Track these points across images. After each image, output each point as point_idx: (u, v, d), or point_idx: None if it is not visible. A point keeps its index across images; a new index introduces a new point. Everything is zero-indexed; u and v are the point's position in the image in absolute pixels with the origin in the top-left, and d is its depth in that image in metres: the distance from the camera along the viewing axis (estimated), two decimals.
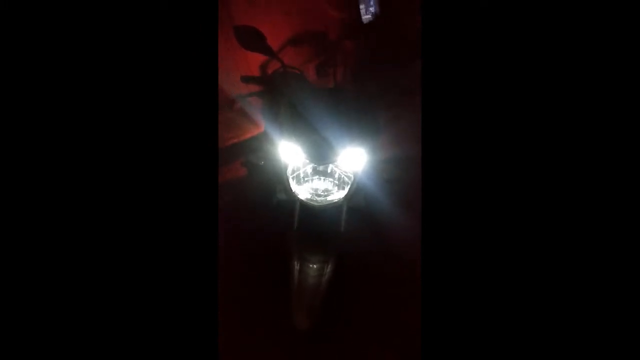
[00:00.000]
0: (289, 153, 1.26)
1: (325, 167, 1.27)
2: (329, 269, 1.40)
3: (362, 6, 2.20)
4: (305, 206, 1.34)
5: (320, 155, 1.23)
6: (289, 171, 1.28)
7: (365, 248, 1.64)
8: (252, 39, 1.57)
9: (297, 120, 1.30)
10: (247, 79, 1.57)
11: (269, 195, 1.42)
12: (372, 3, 2.19)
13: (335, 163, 1.26)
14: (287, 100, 1.38)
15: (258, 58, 1.77)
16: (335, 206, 1.33)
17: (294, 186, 1.30)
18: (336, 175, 1.29)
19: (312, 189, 1.29)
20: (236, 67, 1.99)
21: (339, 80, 1.93)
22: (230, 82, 1.88)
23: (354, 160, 1.26)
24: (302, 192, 1.30)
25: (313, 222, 1.37)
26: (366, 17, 2.19)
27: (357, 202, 1.37)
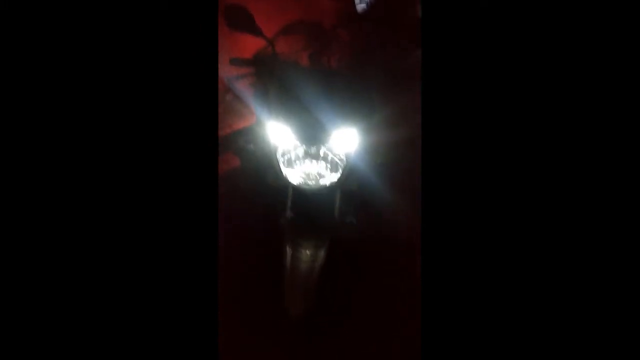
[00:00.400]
0: (278, 134, 1.22)
1: (316, 149, 1.23)
2: (321, 254, 1.36)
3: None
4: (297, 191, 1.30)
5: (311, 136, 1.20)
6: (279, 154, 1.24)
7: (361, 234, 1.61)
8: (245, 23, 1.54)
9: (286, 99, 1.25)
10: (236, 62, 1.54)
11: (261, 180, 1.38)
12: None
13: (327, 145, 1.22)
14: (276, 79, 1.34)
15: (249, 43, 1.73)
16: (329, 191, 1.29)
17: (285, 170, 1.26)
18: (328, 158, 1.24)
19: (304, 172, 1.25)
20: (229, 53, 1.97)
21: (332, 68, 1.91)
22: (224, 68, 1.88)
23: (347, 142, 1.22)
24: (294, 175, 1.26)
25: (306, 207, 1.33)
26: (360, 6, 2.17)
27: (350, 186, 1.33)
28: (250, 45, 1.75)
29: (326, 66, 1.78)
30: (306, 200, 1.31)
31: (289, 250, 1.38)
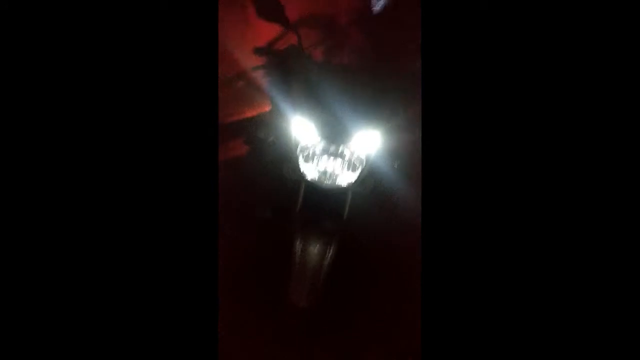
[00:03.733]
0: (300, 129, 1.22)
1: (337, 147, 1.23)
2: (330, 252, 1.37)
3: None
4: (311, 187, 1.30)
5: (333, 134, 1.19)
6: (298, 149, 1.24)
7: (368, 239, 1.61)
8: (265, 10, 1.53)
9: (311, 96, 1.26)
10: (259, 52, 1.54)
11: (274, 173, 1.39)
12: None
13: (348, 144, 1.21)
14: (303, 76, 1.34)
15: (265, 32, 1.73)
16: (342, 191, 1.30)
17: (302, 164, 1.26)
18: (347, 157, 1.24)
19: (320, 169, 1.25)
20: (243, 40, 1.95)
21: (347, 64, 1.89)
22: (235, 56, 1.87)
23: (367, 143, 1.22)
24: (310, 171, 1.26)
25: (317, 204, 1.33)
26: (376, 8, 2.17)
27: (365, 189, 1.32)
28: (264, 31, 1.73)
29: (347, 64, 1.78)
30: (318, 197, 1.31)
31: (298, 244, 1.39)
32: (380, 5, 2.14)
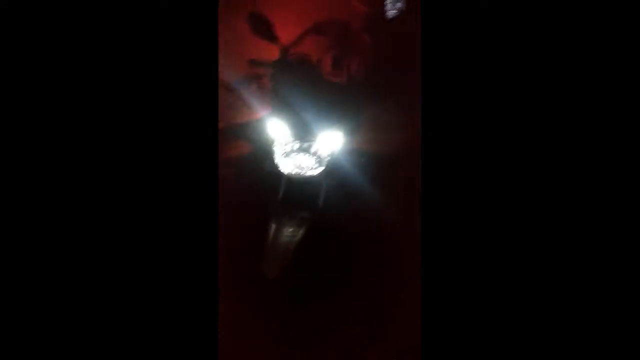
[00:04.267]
0: (275, 129, 1.46)
1: (308, 145, 1.46)
2: (301, 232, 1.59)
3: (388, 1, 2.17)
4: (289, 179, 1.53)
5: (302, 133, 1.44)
6: (277, 147, 1.47)
7: (343, 222, 1.69)
8: (258, 25, 1.72)
9: (287, 99, 1.52)
10: (256, 63, 1.74)
11: (260, 168, 1.61)
12: None
13: (316, 141, 1.45)
14: (281, 81, 1.59)
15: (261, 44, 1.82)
16: (317, 182, 1.53)
17: (281, 160, 1.48)
18: (318, 153, 1.47)
19: (296, 163, 1.48)
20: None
21: (352, 73, 1.98)
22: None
23: (332, 141, 1.45)
24: (288, 165, 1.49)
25: (296, 194, 1.57)
26: (391, 13, 2.17)
27: (334, 179, 1.55)
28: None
29: (346, 72, 1.89)
30: (296, 187, 1.55)
31: (273, 226, 1.60)
32: (395, 11, 2.13)
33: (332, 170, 1.51)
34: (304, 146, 1.47)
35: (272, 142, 1.48)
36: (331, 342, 1.63)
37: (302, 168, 1.49)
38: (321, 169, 1.48)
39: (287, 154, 1.49)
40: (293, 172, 1.49)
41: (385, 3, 2.10)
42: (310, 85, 1.61)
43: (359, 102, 1.59)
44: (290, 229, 1.60)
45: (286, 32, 1.80)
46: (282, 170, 1.50)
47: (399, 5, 2.11)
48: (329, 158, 1.48)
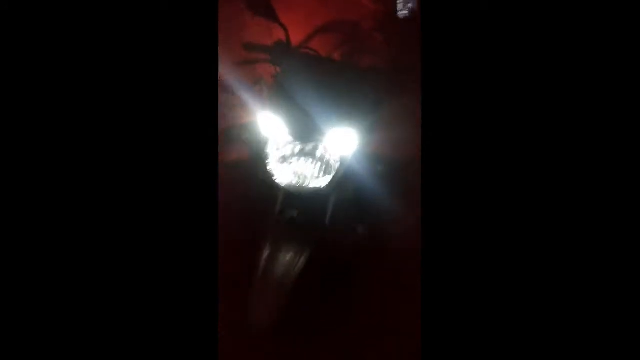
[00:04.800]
0: (270, 128, 1.12)
1: (312, 147, 1.12)
2: (301, 260, 1.27)
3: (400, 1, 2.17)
4: (287, 192, 1.19)
5: (307, 133, 1.09)
6: (269, 149, 1.14)
7: (353, 246, 1.59)
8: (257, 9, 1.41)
9: (281, 91, 1.14)
10: (249, 47, 1.39)
11: (251, 177, 1.28)
12: None
13: (322, 143, 1.11)
14: (279, 73, 1.22)
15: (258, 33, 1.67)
16: (323, 195, 1.19)
17: (276, 167, 1.15)
18: (324, 159, 1.13)
19: (295, 171, 1.14)
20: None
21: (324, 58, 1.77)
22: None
23: (343, 142, 1.11)
24: (285, 174, 1.15)
25: (296, 211, 1.23)
26: (402, 13, 2.14)
27: (344, 193, 1.22)
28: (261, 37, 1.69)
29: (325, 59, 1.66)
30: (298, 203, 1.21)
31: (266, 253, 1.29)
32: (406, 11, 2.13)
33: (342, 180, 1.15)
34: (307, 149, 1.12)
35: (266, 143, 1.13)
36: (331, 342, 1.64)
37: (304, 177, 1.14)
38: (328, 178, 1.13)
39: (284, 159, 1.14)
40: (292, 183, 1.14)
41: (397, 3, 2.11)
42: (316, 74, 1.19)
43: (376, 94, 1.21)
44: (287, 258, 1.26)
45: (294, 31, 1.69)
46: (278, 181, 1.14)
47: (410, 5, 2.11)
48: (338, 164, 1.12)
